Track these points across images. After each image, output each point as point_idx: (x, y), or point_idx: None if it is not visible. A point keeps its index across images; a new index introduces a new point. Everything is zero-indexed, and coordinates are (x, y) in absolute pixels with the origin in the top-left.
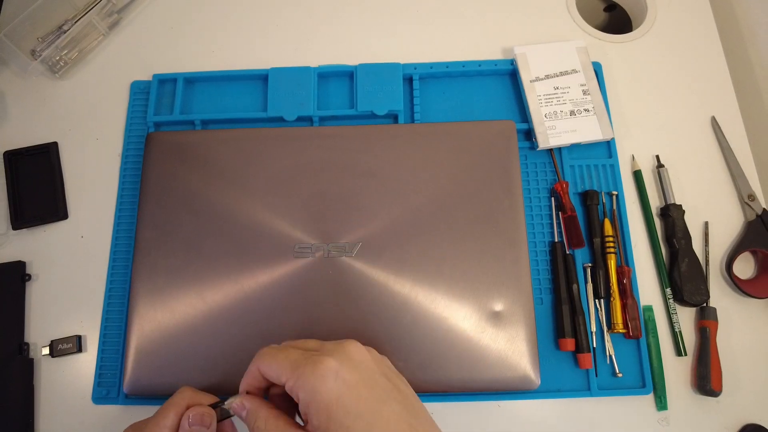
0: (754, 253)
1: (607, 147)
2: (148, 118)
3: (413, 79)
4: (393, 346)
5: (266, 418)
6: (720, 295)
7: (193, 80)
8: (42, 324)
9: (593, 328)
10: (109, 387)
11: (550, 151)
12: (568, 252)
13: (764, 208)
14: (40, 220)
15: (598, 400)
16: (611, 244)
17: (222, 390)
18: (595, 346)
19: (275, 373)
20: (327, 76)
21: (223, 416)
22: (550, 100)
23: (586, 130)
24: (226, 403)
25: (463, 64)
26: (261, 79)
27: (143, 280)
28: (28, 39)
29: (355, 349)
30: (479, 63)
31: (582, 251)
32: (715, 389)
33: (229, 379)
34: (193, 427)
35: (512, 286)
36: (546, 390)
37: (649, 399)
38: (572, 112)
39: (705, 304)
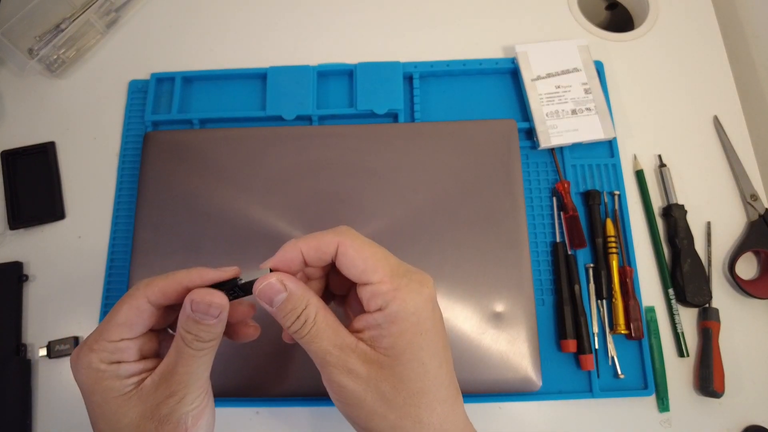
0: (756, 253)
1: (609, 146)
2: (146, 118)
3: (413, 78)
4: None
5: (317, 308)
6: (722, 296)
7: (191, 79)
8: (39, 325)
9: (595, 329)
10: None
11: (551, 150)
12: (569, 252)
13: (766, 208)
14: (38, 220)
15: (600, 401)
16: (613, 245)
17: (221, 394)
18: (597, 347)
19: (364, 265)
20: (326, 74)
21: (234, 295)
22: (552, 99)
23: (587, 130)
24: (245, 278)
25: (464, 62)
26: (260, 77)
27: (141, 280)
28: (26, 38)
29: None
30: (480, 61)
31: (584, 251)
32: (717, 391)
33: (228, 381)
34: (196, 314)
35: (513, 286)
36: (547, 391)
37: (651, 400)
38: (574, 111)
39: (707, 305)
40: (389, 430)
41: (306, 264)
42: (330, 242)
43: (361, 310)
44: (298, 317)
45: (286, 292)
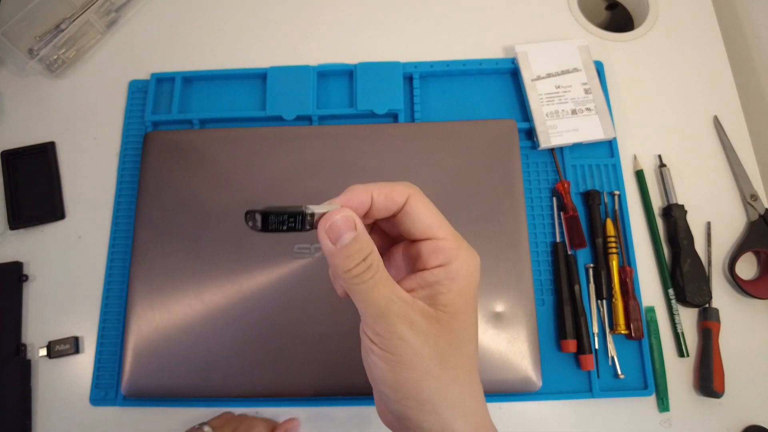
0: (756, 253)
1: (609, 146)
2: (146, 118)
3: (413, 78)
4: None
5: (380, 258)
6: (722, 296)
7: (191, 79)
8: (39, 325)
9: (595, 329)
10: (106, 388)
11: (551, 150)
12: (569, 252)
13: (766, 208)
14: (38, 220)
15: (600, 401)
16: (613, 245)
17: (221, 394)
18: (597, 347)
19: (431, 220)
20: (326, 74)
21: (288, 225)
22: (552, 99)
23: (587, 130)
24: (311, 206)
25: (464, 62)
26: (260, 77)
27: (141, 280)
28: (26, 38)
29: None
30: (480, 62)
31: (584, 251)
32: (717, 390)
33: (229, 381)
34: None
35: (513, 286)
36: (547, 391)
37: (651, 400)
38: (574, 111)
39: (707, 305)
40: (438, 393)
41: (370, 211)
42: (401, 192)
43: (402, 271)
44: (364, 260)
45: (355, 232)
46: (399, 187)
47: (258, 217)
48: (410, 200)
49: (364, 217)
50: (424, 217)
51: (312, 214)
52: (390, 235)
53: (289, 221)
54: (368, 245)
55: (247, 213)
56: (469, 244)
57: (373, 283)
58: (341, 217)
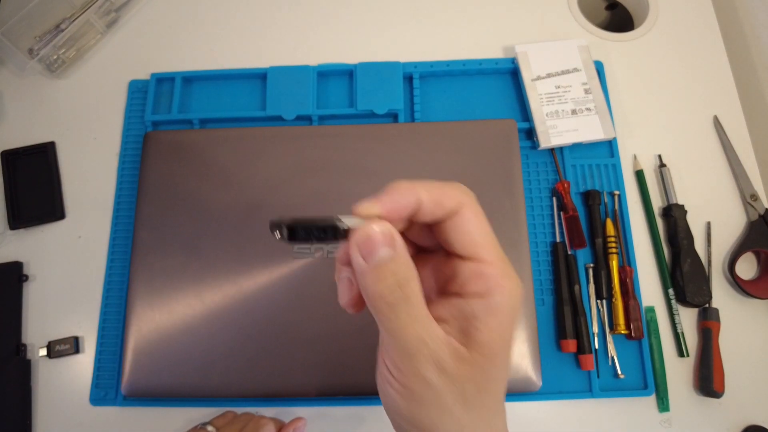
0: (756, 253)
1: (609, 146)
2: (146, 118)
3: (413, 78)
4: None
5: (420, 288)
6: (722, 296)
7: (191, 79)
8: (39, 325)
9: (595, 329)
10: (106, 388)
11: (551, 150)
12: (569, 252)
13: (766, 208)
14: (38, 220)
15: (600, 401)
16: (613, 245)
17: (221, 394)
18: (596, 347)
19: (481, 238)
20: (326, 74)
21: (318, 235)
22: (552, 99)
23: (587, 130)
24: (345, 219)
25: (464, 62)
26: (260, 77)
27: (141, 280)
28: (26, 38)
29: None
30: (480, 62)
31: (584, 251)
32: (717, 390)
33: (229, 381)
34: (367, 252)
35: None
36: (547, 391)
37: (651, 400)
38: (574, 111)
39: (707, 305)
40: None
41: (415, 216)
42: (454, 198)
43: (426, 285)
44: (399, 286)
45: (393, 250)
46: (452, 191)
47: (284, 229)
48: (463, 210)
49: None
50: (474, 232)
51: (345, 229)
52: (417, 243)
53: (318, 233)
54: (407, 269)
55: (272, 224)
56: (515, 270)
57: (408, 318)
58: (378, 230)
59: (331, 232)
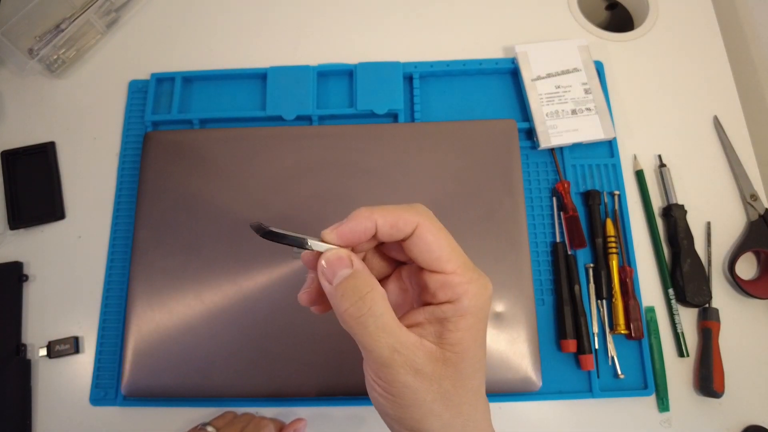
0: (756, 253)
1: (609, 146)
2: (146, 118)
3: (413, 78)
4: None
5: (383, 296)
6: (722, 296)
7: (191, 79)
8: (39, 325)
9: (595, 329)
10: (106, 388)
11: (551, 150)
12: (569, 252)
13: (766, 208)
14: (38, 220)
15: (600, 401)
16: (613, 245)
17: (221, 394)
18: (596, 347)
19: (440, 252)
20: (326, 74)
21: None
22: (552, 99)
23: (587, 130)
24: (310, 242)
25: (464, 62)
26: (260, 77)
27: (141, 280)
28: (26, 38)
29: None
30: (480, 61)
31: (584, 251)
32: (717, 390)
33: (229, 381)
34: (331, 273)
35: (513, 286)
36: (547, 391)
37: (651, 400)
38: (574, 111)
39: (707, 305)
40: (441, 430)
41: (375, 238)
42: (409, 221)
43: (410, 294)
44: (362, 299)
45: (351, 269)
46: (407, 214)
47: (260, 234)
48: (418, 230)
49: (371, 239)
50: (433, 248)
51: (310, 248)
52: (394, 257)
53: (290, 243)
54: (366, 283)
55: (252, 225)
56: (480, 271)
57: (376, 330)
58: (333, 255)
59: (300, 247)
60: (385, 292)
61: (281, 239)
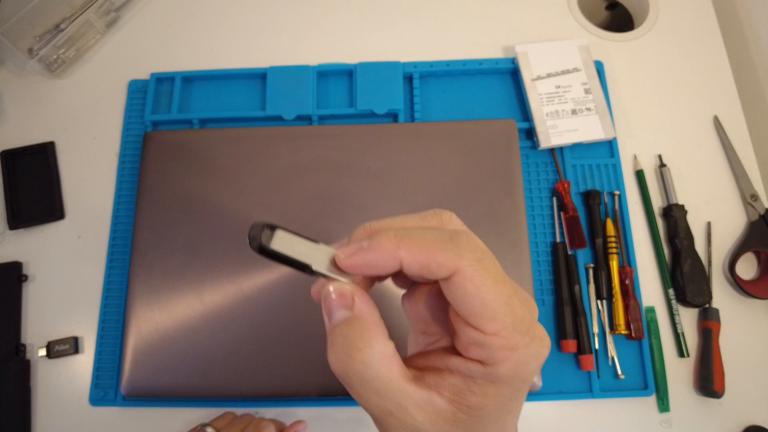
0: (756, 253)
1: (609, 146)
2: (146, 117)
3: (413, 78)
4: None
5: (380, 358)
6: (722, 296)
7: (191, 79)
8: (39, 325)
9: (595, 330)
10: (106, 389)
11: (551, 150)
12: (569, 252)
13: (767, 208)
14: (37, 220)
15: (600, 401)
16: (613, 245)
17: (221, 394)
18: (597, 347)
19: (481, 309)
20: (326, 74)
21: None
22: (552, 99)
23: (587, 130)
24: (315, 268)
25: (464, 62)
26: (259, 77)
27: (141, 280)
28: (26, 37)
29: None
30: (480, 61)
31: (584, 252)
32: (717, 391)
33: (228, 382)
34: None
35: None
36: (547, 392)
37: (651, 401)
38: (574, 111)
39: (707, 305)
40: None
41: (396, 273)
42: (444, 266)
43: (427, 316)
44: (349, 357)
45: (350, 312)
46: (443, 255)
47: (257, 247)
48: (456, 278)
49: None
50: (472, 303)
51: (315, 272)
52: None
53: (292, 265)
54: (360, 338)
55: (249, 233)
56: (536, 332)
57: (365, 393)
58: (336, 290)
59: (302, 270)
60: (388, 347)
61: (280, 260)
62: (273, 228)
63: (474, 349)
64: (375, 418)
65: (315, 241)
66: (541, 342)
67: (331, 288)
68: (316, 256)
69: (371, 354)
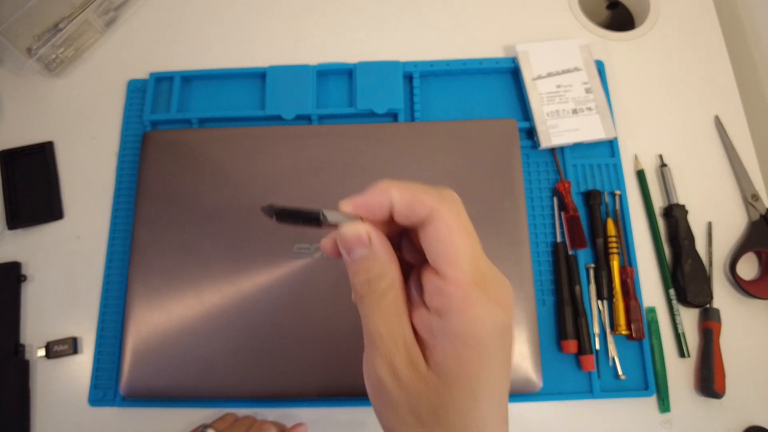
0: (757, 253)
1: (610, 146)
2: (145, 117)
3: (413, 77)
4: None
5: (393, 282)
6: (723, 296)
7: (190, 78)
8: (38, 325)
9: (596, 330)
10: (105, 389)
11: (552, 150)
12: (570, 252)
13: None
14: (36, 220)
15: (601, 402)
16: (614, 245)
17: (220, 395)
18: (597, 347)
19: (445, 249)
20: (326, 74)
21: (303, 222)
22: (552, 99)
23: (588, 129)
24: (326, 213)
25: (464, 62)
26: (259, 77)
27: (140, 280)
28: (25, 37)
29: None
30: (480, 61)
31: (584, 252)
32: (718, 391)
33: (228, 382)
34: (349, 252)
35: (514, 287)
36: (548, 392)
37: (651, 401)
38: (574, 111)
39: (708, 305)
40: None
41: (390, 216)
42: (425, 204)
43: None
44: (368, 281)
45: (367, 248)
46: (425, 196)
47: (273, 215)
48: (434, 218)
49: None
50: (442, 245)
51: (326, 220)
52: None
53: (303, 221)
54: (380, 268)
55: (262, 209)
56: (499, 295)
57: (371, 312)
58: (352, 231)
59: (315, 222)
60: (399, 277)
61: (295, 218)
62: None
63: (435, 299)
64: (368, 339)
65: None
66: (502, 309)
67: (349, 229)
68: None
69: (388, 284)
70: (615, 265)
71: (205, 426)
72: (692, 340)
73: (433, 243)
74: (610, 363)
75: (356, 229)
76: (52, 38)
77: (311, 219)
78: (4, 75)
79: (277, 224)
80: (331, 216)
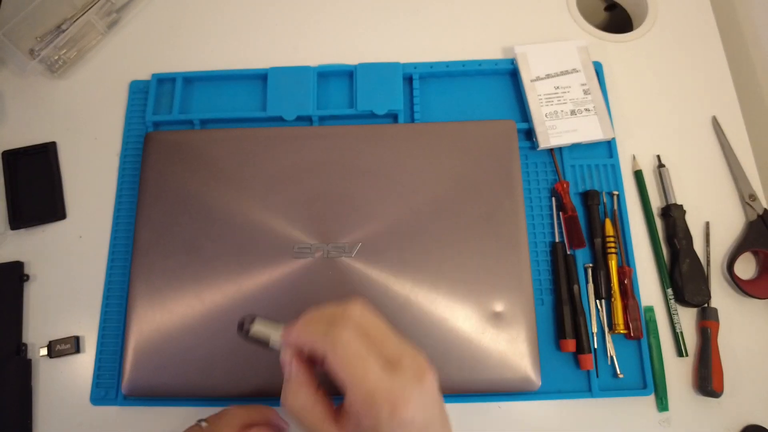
0: (755, 253)
1: (608, 147)
2: (147, 118)
3: (413, 79)
4: None
5: (305, 403)
6: (721, 296)
7: (192, 80)
8: (40, 324)
9: (594, 329)
10: (107, 388)
11: (550, 150)
12: (568, 252)
13: (765, 208)
14: (39, 220)
15: (599, 401)
16: (612, 245)
17: (222, 393)
18: (596, 346)
19: (342, 383)
20: (326, 75)
21: (256, 340)
22: (551, 100)
23: (586, 130)
24: (271, 340)
25: (464, 63)
26: (260, 78)
27: (142, 280)
28: (27, 38)
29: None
30: (479, 62)
31: (583, 251)
32: (716, 390)
33: (229, 381)
34: None
35: (513, 286)
36: (547, 391)
37: (650, 400)
38: (573, 112)
39: (706, 305)
40: None
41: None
42: (318, 350)
43: None
44: (290, 397)
45: (289, 367)
46: (318, 343)
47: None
48: (326, 356)
49: None
50: (335, 377)
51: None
52: None
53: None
54: (292, 393)
55: (239, 323)
56: (408, 380)
57: (299, 424)
58: (282, 358)
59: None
60: (310, 399)
61: (250, 341)
62: (253, 319)
63: (344, 415)
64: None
65: (278, 323)
66: (391, 414)
67: (282, 355)
68: (275, 333)
69: (297, 403)
70: (613, 264)
71: (200, 420)
72: (690, 339)
73: (331, 374)
74: (609, 362)
75: (283, 357)
76: (55, 39)
77: (262, 345)
78: (7, 76)
79: (276, 231)
80: (275, 345)
